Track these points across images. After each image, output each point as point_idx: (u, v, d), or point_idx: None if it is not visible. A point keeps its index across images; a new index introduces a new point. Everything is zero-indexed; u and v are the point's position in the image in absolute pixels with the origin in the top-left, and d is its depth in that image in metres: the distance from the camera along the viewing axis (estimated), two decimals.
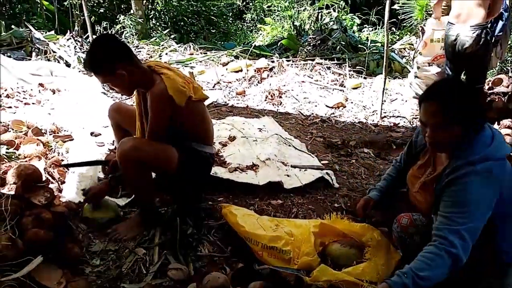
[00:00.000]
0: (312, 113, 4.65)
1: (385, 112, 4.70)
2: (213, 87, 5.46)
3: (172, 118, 2.17)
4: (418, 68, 4.91)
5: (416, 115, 4.71)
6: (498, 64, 5.20)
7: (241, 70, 5.86)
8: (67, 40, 6.41)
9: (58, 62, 5.76)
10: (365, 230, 2.13)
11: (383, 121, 4.62)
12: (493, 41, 3.87)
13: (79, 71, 5.48)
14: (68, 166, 2.72)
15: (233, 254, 2.23)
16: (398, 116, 4.69)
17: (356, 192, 3.02)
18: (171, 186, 2.54)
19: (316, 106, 4.89)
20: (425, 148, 1.88)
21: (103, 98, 4.61)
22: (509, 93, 4.47)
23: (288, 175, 3.06)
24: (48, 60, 5.73)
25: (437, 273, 1.55)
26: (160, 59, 6.49)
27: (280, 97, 5.04)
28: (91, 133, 3.48)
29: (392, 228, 1.94)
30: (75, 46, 6.25)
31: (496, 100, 4.21)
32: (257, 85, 5.51)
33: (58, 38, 6.46)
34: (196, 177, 2.44)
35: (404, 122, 4.62)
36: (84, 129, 3.49)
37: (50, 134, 3.26)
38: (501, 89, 4.67)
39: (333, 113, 4.71)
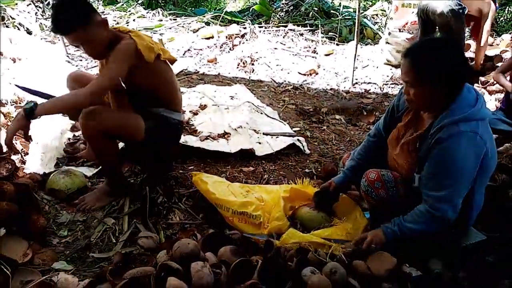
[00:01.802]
0: (285, 81, 4.61)
1: (356, 79, 4.71)
2: (183, 54, 5.31)
3: (139, 78, 2.08)
4: (389, 34, 4.91)
5: (386, 81, 4.76)
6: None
7: (212, 37, 5.70)
8: (27, 5, 6.04)
9: (18, 29, 5.45)
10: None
11: (355, 87, 4.64)
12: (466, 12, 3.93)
13: (41, 39, 5.21)
14: (21, 88, 2.49)
15: (204, 221, 2.24)
16: (369, 83, 4.72)
17: (327, 157, 3.05)
18: (140, 155, 2.49)
19: (288, 73, 4.84)
20: (408, 110, 1.89)
21: (67, 66, 4.42)
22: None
23: (259, 143, 3.06)
24: (7, 27, 5.40)
25: (423, 228, 1.73)
26: (127, 25, 6.24)
27: (252, 64, 4.97)
28: None
29: (360, 185, 1.96)
30: (36, 12, 5.91)
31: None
32: (228, 52, 5.40)
33: (16, 4, 6.08)
34: (164, 145, 2.40)
35: (375, 88, 4.65)
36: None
37: (11, 105, 3.12)
38: (469, 54, 4.76)
39: (306, 80, 4.69)
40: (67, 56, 4.59)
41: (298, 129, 3.46)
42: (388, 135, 2.03)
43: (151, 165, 2.48)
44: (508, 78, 3.30)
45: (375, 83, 4.69)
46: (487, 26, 4.18)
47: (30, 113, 1.83)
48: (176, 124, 2.33)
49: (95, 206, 2.19)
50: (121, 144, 2.57)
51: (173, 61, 2.28)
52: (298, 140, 3.14)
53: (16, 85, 2.58)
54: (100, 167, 2.45)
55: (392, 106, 2.03)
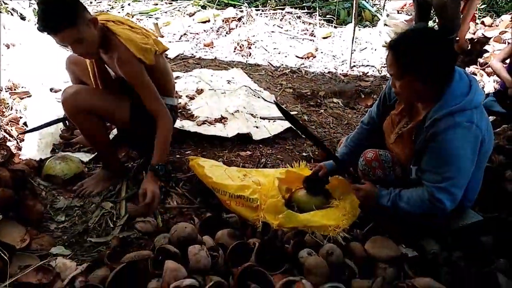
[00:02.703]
0: (282, 64, 4.57)
1: (354, 62, 4.66)
2: (180, 38, 5.24)
3: None
4: (388, 16, 4.85)
5: (384, 64, 4.71)
6: None
7: (208, 21, 5.62)
8: None
9: (11, 14, 5.37)
10: (333, 180, 2.16)
11: (353, 70, 4.60)
12: None
13: (35, 24, 5.13)
14: (29, 132, 2.56)
15: (201, 205, 2.24)
16: (367, 65, 4.68)
17: (324, 141, 3.04)
18: (135, 140, 2.47)
19: (286, 56, 4.79)
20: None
21: (63, 52, 4.36)
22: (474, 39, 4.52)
23: (257, 127, 3.05)
24: (0, 12, 5.32)
25: (414, 211, 1.75)
26: (122, 9, 6.15)
27: (249, 48, 4.91)
28: (51, 89, 3.32)
29: (358, 164, 1.96)
30: None
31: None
32: (225, 36, 5.32)
33: None
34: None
35: (373, 71, 4.61)
36: (43, 85, 3.32)
37: (6, 91, 3.09)
38: (469, 35, 4.71)
39: (303, 64, 4.64)
40: None
41: (295, 112, 3.44)
42: (382, 122, 2.02)
43: (147, 150, 2.46)
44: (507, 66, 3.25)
45: (373, 66, 4.65)
46: (473, 3, 4.14)
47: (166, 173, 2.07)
48: (170, 110, 2.30)
49: (93, 191, 2.19)
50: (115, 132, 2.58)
51: (165, 50, 2.25)
52: None
53: (24, 132, 2.57)
54: (96, 153, 2.44)
55: (384, 94, 2.00)
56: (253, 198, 2.03)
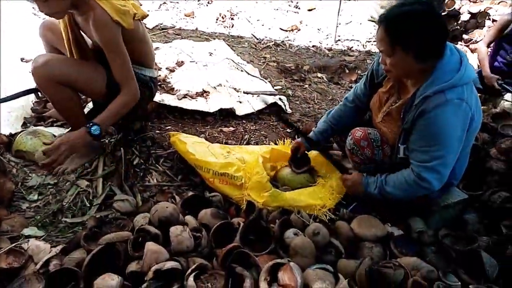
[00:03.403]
0: (266, 37, 4.43)
1: (339, 36, 4.57)
2: (159, 7, 5.01)
3: None
4: None
5: (369, 39, 4.64)
6: None
7: None
8: None
9: None
10: (316, 156, 2.11)
11: (337, 44, 4.51)
12: None
13: None
14: None
15: (183, 183, 2.16)
16: (352, 40, 4.60)
17: (309, 117, 2.98)
18: None
19: (269, 29, 4.66)
20: (388, 76, 1.80)
21: (34, 19, 4.10)
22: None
23: (240, 102, 2.95)
24: None
25: (401, 194, 1.72)
26: None
27: (232, 19, 4.74)
28: (22, 59, 3.12)
29: (346, 143, 1.91)
30: None
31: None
32: (207, 5, 5.12)
33: None
34: (137, 104, 2.25)
35: (358, 45, 4.54)
36: (13, 55, 3.11)
37: None
38: (454, 12, 4.66)
39: (287, 37, 4.52)
40: (33, 8, 4.25)
41: (279, 87, 3.35)
42: (368, 100, 1.95)
43: (125, 124, 2.35)
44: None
45: (358, 40, 4.57)
46: None
47: (98, 136, 1.83)
48: (147, 81, 2.18)
49: (67, 168, 2.07)
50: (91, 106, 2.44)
51: (145, 17, 2.10)
52: (280, 99, 3.04)
53: None
54: (70, 127, 2.31)
55: (371, 71, 1.92)
56: (238, 175, 1.96)
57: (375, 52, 4.44)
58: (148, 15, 2.14)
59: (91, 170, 2.10)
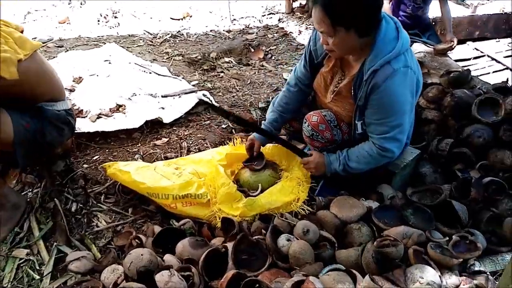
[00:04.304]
0: (160, 30, 4.13)
1: (233, 15, 4.46)
2: (24, 19, 4.34)
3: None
4: None
5: (263, 13, 4.61)
6: None
7: None
8: None
9: None
10: (273, 149, 2.02)
11: (234, 24, 4.41)
12: None
13: None
14: None
15: (138, 216, 1.91)
16: (247, 17, 4.52)
17: (238, 107, 2.86)
18: (29, 161, 1.96)
19: (160, 21, 4.35)
20: (328, 55, 1.75)
21: None
22: None
23: (163, 108, 2.70)
24: None
25: (366, 167, 1.77)
26: None
27: (116, 17, 4.32)
28: None
29: (303, 130, 1.85)
30: None
31: None
32: (80, 7, 4.59)
33: None
34: (56, 143, 1.92)
35: (254, 21, 4.48)
36: None
37: None
38: None
39: (182, 26, 4.27)
40: None
41: (196, 82, 3.16)
42: (311, 82, 1.90)
43: (47, 169, 1.99)
44: None
45: (254, 17, 4.51)
46: None
47: None
48: (64, 116, 1.86)
49: None
50: None
51: (38, 47, 1.73)
52: (204, 95, 2.86)
53: None
54: None
55: (308, 52, 1.85)
56: (201, 193, 1.79)
57: (272, 25, 4.44)
58: (41, 45, 1.77)
59: (24, 235, 1.75)
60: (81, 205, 1.91)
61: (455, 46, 2.94)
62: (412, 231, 1.61)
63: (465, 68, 2.56)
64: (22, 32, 1.69)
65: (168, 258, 1.54)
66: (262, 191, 1.82)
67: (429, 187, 1.93)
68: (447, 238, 1.62)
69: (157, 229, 1.71)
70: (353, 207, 1.73)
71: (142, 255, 1.46)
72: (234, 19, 4.43)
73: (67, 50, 3.56)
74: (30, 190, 1.95)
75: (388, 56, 1.55)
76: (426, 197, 1.90)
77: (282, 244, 1.52)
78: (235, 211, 1.72)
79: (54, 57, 3.39)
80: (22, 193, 1.94)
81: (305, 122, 1.81)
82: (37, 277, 1.60)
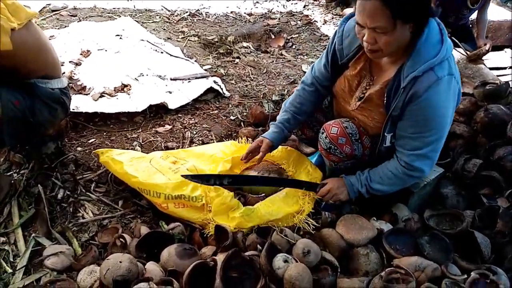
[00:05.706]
0: (178, 7, 3.92)
1: None
2: None
3: None
4: None
5: None
6: None
7: None
8: None
9: None
10: (282, 152, 1.84)
11: (256, 7, 4.17)
12: None
13: None
14: None
15: (127, 210, 1.77)
16: (271, 0, 4.27)
17: (249, 98, 2.67)
18: (17, 141, 1.82)
19: None
20: (356, 56, 1.53)
21: None
22: None
23: (170, 92, 2.53)
24: None
25: (390, 189, 1.57)
26: None
27: None
28: None
29: (318, 138, 1.65)
30: None
31: None
32: None
33: None
34: (48, 124, 1.77)
35: (278, 6, 4.24)
36: None
37: None
38: None
39: (202, 4, 4.05)
40: None
41: (209, 66, 2.97)
42: (330, 84, 1.69)
43: (36, 150, 1.85)
44: None
45: (278, 0, 4.26)
46: None
47: None
48: (58, 95, 1.70)
49: None
50: None
51: (33, 17, 1.57)
52: (214, 81, 2.68)
53: None
54: None
55: (332, 51, 1.61)
56: (196, 196, 1.63)
57: (296, 12, 4.19)
58: (36, 14, 1.61)
59: (3, 221, 1.62)
60: (68, 193, 1.77)
61: (487, 52, 2.68)
62: (426, 264, 1.43)
63: (504, 81, 2.32)
64: None
65: (151, 267, 1.39)
66: (265, 197, 1.65)
67: (449, 211, 1.73)
68: (465, 276, 1.43)
69: (144, 230, 1.57)
70: (363, 229, 1.55)
71: (121, 262, 1.32)
72: (257, 1, 4.19)
73: (80, 20, 3.40)
74: (17, 170, 1.82)
75: (431, 62, 1.34)
76: (445, 222, 1.71)
77: (278, 265, 1.36)
78: (231, 222, 1.55)
79: (65, 26, 3.24)
80: (8, 173, 1.81)
81: (322, 133, 1.60)
82: (10, 270, 1.47)
